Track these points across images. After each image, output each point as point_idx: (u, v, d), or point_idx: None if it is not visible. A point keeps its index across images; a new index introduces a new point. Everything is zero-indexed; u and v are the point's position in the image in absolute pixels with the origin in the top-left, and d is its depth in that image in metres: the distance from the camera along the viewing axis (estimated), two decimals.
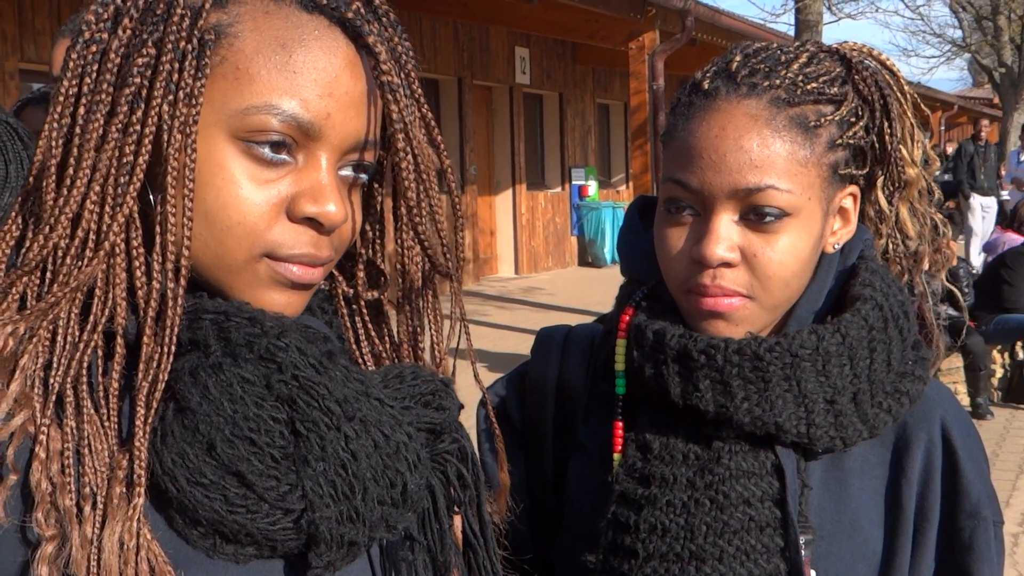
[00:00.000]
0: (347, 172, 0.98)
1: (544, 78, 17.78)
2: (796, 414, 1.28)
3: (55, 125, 0.92)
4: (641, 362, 1.33)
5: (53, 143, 0.92)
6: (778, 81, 1.28)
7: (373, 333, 1.10)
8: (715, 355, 1.27)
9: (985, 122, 17.34)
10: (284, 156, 0.93)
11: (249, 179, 0.92)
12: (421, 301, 1.09)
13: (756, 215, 1.26)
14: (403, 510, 0.96)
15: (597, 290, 15.46)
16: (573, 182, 18.72)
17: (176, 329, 0.89)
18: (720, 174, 1.25)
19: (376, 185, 1.08)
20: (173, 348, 0.89)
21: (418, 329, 1.10)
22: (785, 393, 1.27)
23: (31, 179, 0.94)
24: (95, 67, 0.92)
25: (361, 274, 1.09)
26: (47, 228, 0.90)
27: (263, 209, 0.92)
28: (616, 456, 1.37)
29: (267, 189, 0.92)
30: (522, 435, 1.51)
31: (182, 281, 0.90)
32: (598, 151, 20.12)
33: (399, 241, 1.06)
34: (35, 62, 9.43)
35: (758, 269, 1.27)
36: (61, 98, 0.93)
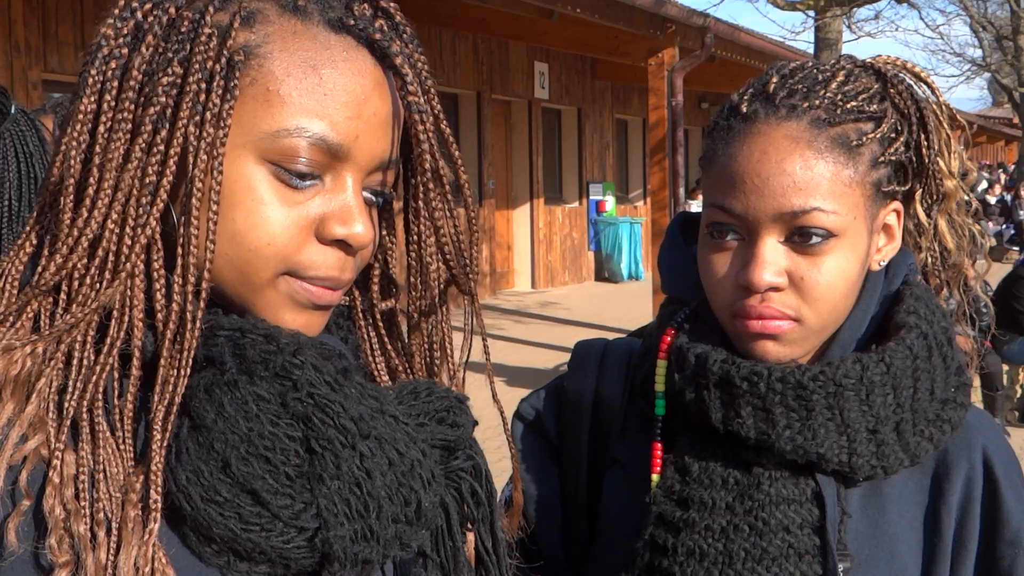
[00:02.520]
0: (368, 195, 0.98)
1: (563, 93, 17.81)
2: (838, 443, 1.27)
3: (74, 143, 0.91)
4: (682, 385, 1.33)
5: (72, 160, 0.90)
6: (817, 101, 1.27)
7: (388, 345, 1.09)
8: (758, 383, 1.26)
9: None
10: (313, 179, 0.92)
11: (279, 200, 0.91)
12: (438, 315, 1.09)
13: (802, 237, 1.26)
14: (417, 528, 0.95)
15: (613, 305, 15.46)
16: (591, 197, 18.73)
17: (192, 351, 0.88)
18: (764, 198, 1.25)
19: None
20: (188, 371, 0.88)
21: (435, 343, 1.10)
22: (828, 422, 1.27)
23: (47, 194, 0.93)
24: (115, 83, 0.91)
25: (375, 286, 1.09)
26: (65, 249, 0.89)
27: (293, 231, 0.92)
28: (654, 477, 1.36)
29: (296, 210, 0.92)
30: (557, 448, 1.51)
31: (201, 304, 0.89)
32: (616, 166, 20.13)
33: (419, 257, 1.05)
34: (58, 72, 9.49)
35: (806, 292, 1.27)
36: (80, 115, 0.91)
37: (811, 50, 14.30)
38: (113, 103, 0.90)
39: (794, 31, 26.82)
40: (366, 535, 0.90)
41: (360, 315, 1.09)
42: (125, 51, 0.91)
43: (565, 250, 18.01)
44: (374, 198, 0.99)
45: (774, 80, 1.31)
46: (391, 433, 0.94)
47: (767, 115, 1.27)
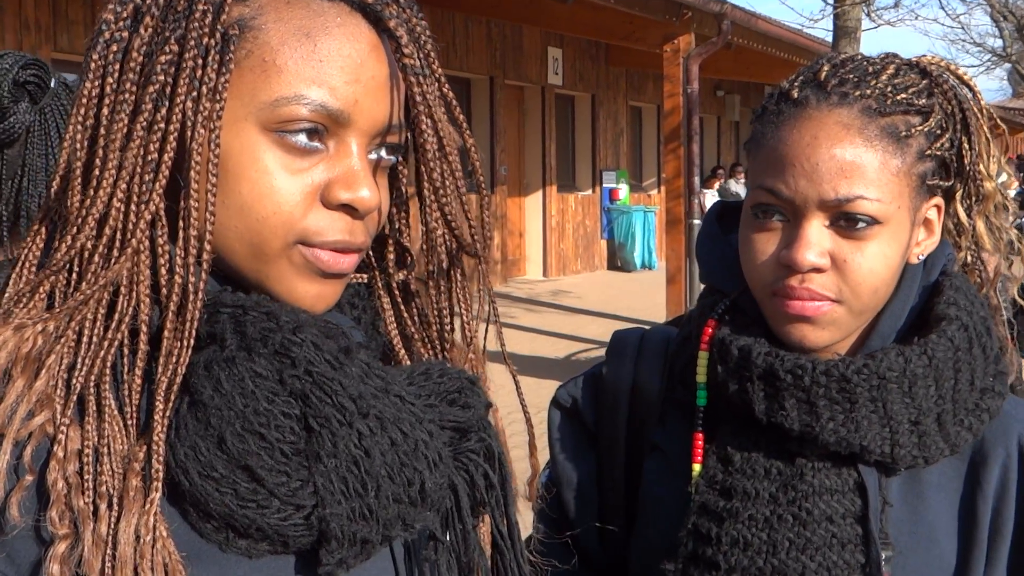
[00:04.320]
0: (375, 155, 0.99)
1: (577, 79, 17.81)
2: (881, 435, 1.30)
3: (79, 127, 0.93)
4: (725, 377, 1.36)
5: (78, 144, 0.93)
6: (868, 91, 1.30)
7: (404, 314, 1.10)
8: (802, 376, 1.30)
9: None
10: (316, 144, 0.94)
11: (283, 169, 0.93)
12: (448, 281, 1.10)
13: (847, 222, 1.29)
14: (421, 509, 0.96)
15: (626, 294, 15.47)
16: (604, 185, 18.75)
17: (196, 323, 0.90)
18: (813, 183, 1.28)
19: (400, 165, 1.09)
20: (192, 342, 0.90)
21: (445, 310, 1.11)
22: (871, 414, 1.30)
23: (58, 179, 0.96)
24: (117, 66, 0.93)
25: (391, 255, 1.10)
26: (74, 229, 0.91)
27: (298, 198, 0.94)
28: (696, 467, 1.40)
29: (301, 178, 0.94)
30: (594, 435, 1.54)
31: (203, 275, 0.91)
32: (630, 154, 20.13)
33: (424, 221, 1.07)
34: (67, 51, 9.52)
35: (848, 274, 1.30)
36: (84, 99, 0.94)
37: (829, 38, 14.24)
38: (115, 85, 0.93)
39: (812, 18, 26.70)
40: (364, 514, 0.91)
41: (379, 287, 1.10)
42: (125, 34, 0.94)
43: (578, 238, 18.03)
44: (385, 156, 1.00)
45: (825, 68, 1.35)
46: (395, 413, 0.95)
47: (818, 101, 1.31)
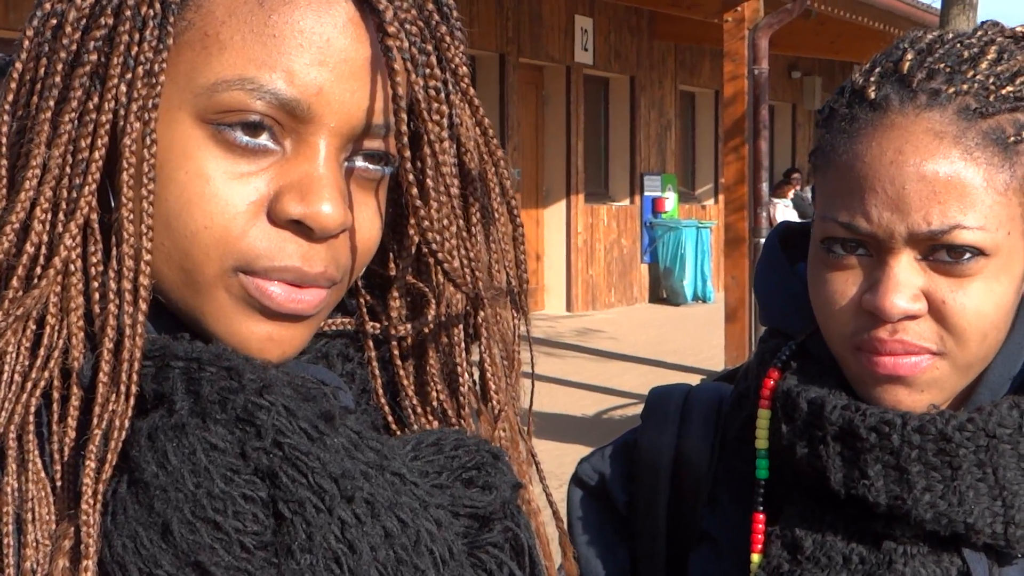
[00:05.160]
0: (354, 163, 1.00)
1: (612, 57, 17.85)
2: (991, 510, 1.31)
3: (6, 117, 0.95)
4: (791, 439, 1.37)
5: (4, 138, 0.95)
6: (965, 86, 1.31)
7: (406, 382, 1.11)
8: (890, 434, 1.31)
9: None
10: (265, 142, 0.95)
11: (220, 172, 0.94)
12: (456, 333, 1.11)
13: (943, 256, 1.30)
14: None
15: (673, 335, 15.43)
16: (646, 193, 18.75)
17: (136, 364, 0.91)
18: (899, 212, 1.29)
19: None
20: (133, 389, 0.90)
21: (456, 369, 1.11)
22: (978, 483, 1.31)
23: None
24: (49, 45, 0.95)
25: (395, 303, 1.10)
26: None
27: (237, 209, 0.94)
28: (755, 557, 1.41)
29: (243, 185, 0.94)
30: (627, 521, 1.55)
31: (142, 305, 0.92)
32: (679, 153, 20.13)
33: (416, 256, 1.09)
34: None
35: (949, 319, 1.31)
36: (14, 84, 0.96)
37: (937, 4, 14.30)
38: (47, 67, 0.95)
39: None
40: None
41: (368, 343, 1.11)
42: (63, 6, 0.96)
43: (611, 262, 18.02)
44: (368, 166, 1.01)
45: (909, 57, 1.34)
46: (391, 496, 0.95)
47: (902, 103, 1.31)
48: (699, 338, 14.66)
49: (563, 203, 17.05)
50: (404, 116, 0.98)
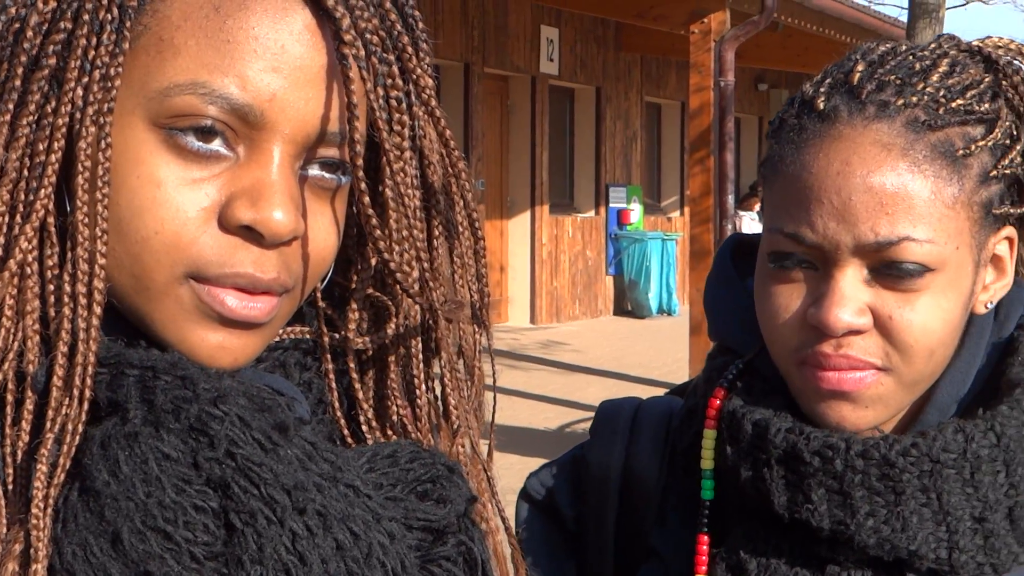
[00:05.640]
0: (317, 172, 1.01)
1: (577, 67, 17.89)
2: (935, 535, 1.31)
3: None
4: (736, 461, 1.37)
5: None
6: (915, 98, 1.30)
7: (361, 396, 1.11)
8: (833, 458, 1.30)
9: None
10: (217, 147, 0.96)
11: (171, 178, 0.95)
12: (414, 346, 1.12)
13: (890, 270, 1.29)
14: None
15: (639, 347, 15.47)
16: (611, 205, 18.79)
17: (90, 369, 0.92)
18: (845, 223, 1.28)
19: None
20: (87, 393, 0.91)
21: (414, 382, 1.12)
22: (922, 508, 1.31)
23: None
24: (11, 48, 0.97)
25: (354, 314, 1.11)
26: None
27: (187, 215, 0.95)
28: None
29: (194, 190, 0.95)
30: (575, 536, 1.55)
31: (96, 309, 0.93)
32: (645, 165, 20.20)
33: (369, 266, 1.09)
34: None
35: (895, 335, 1.30)
36: None
37: (904, 17, 14.38)
38: (8, 71, 0.96)
39: None
40: None
41: (325, 356, 1.11)
42: (25, 11, 0.97)
43: (576, 274, 18.05)
44: (324, 174, 1.01)
45: (859, 69, 1.34)
46: (344, 508, 0.95)
47: (851, 114, 1.31)
48: (664, 351, 14.70)
49: (528, 214, 17.08)
50: (359, 125, 0.99)
